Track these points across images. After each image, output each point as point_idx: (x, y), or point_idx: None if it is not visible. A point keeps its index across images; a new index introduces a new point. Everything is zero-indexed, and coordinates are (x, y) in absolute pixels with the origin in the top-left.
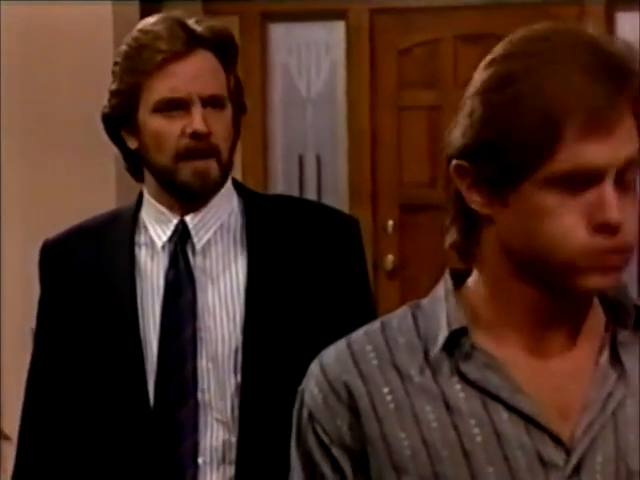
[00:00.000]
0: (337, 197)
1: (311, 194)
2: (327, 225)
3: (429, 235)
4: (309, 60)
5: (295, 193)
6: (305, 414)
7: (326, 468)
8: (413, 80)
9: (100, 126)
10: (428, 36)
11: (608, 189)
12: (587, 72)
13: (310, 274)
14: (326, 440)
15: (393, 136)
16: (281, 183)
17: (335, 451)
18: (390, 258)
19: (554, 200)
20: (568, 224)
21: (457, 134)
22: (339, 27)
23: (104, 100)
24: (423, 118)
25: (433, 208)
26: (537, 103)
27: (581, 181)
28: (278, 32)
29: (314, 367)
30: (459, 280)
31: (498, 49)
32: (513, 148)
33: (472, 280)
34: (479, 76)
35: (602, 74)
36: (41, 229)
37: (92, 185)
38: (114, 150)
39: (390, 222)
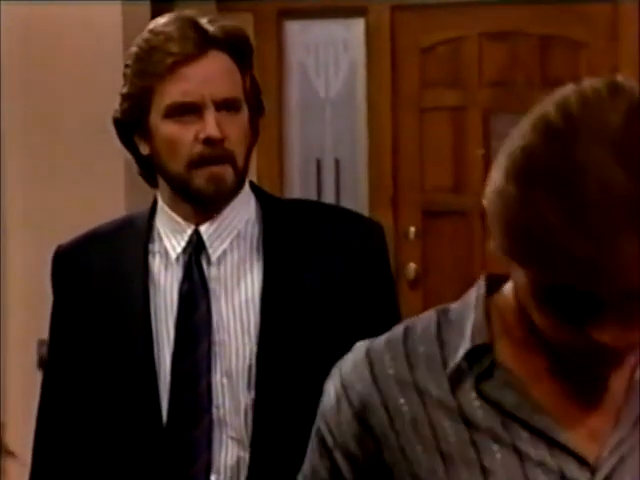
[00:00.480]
0: (357, 202)
1: (329, 199)
2: (349, 230)
3: (453, 242)
4: (327, 59)
5: (313, 197)
6: (319, 414)
7: (323, 470)
8: (436, 80)
9: (108, 129)
10: (451, 34)
11: None
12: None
13: (330, 282)
14: (330, 442)
15: (415, 138)
16: (298, 188)
17: (337, 455)
18: (412, 266)
19: None
20: None
21: None
22: (358, 25)
23: (113, 103)
24: (446, 119)
25: (457, 214)
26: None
27: None
28: (294, 30)
29: (334, 371)
30: (496, 286)
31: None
32: None
33: (507, 287)
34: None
35: None
36: (46, 236)
37: (99, 191)
38: (125, 154)
39: (412, 228)
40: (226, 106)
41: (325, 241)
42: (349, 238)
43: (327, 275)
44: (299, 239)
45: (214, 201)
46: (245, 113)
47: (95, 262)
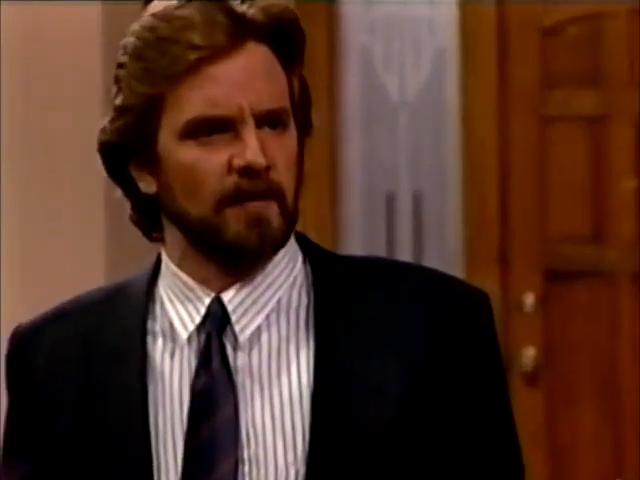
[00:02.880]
0: (444, 258)
1: (405, 253)
2: (438, 301)
3: (590, 316)
4: (403, 46)
5: (381, 251)
6: None
7: None
8: (564, 75)
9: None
10: (587, 9)
11: None
12: None
13: (411, 377)
14: None
15: (533, 161)
16: (359, 236)
17: None
18: (530, 352)
19: None
20: None
21: None
22: None
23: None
24: (580, 133)
25: (596, 275)
26: None
27: None
28: (354, 6)
29: None
30: None
31: None
32: None
33: None
34: None
35: None
36: None
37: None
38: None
39: (530, 297)
40: (270, 121)
41: (403, 317)
42: (439, 314)
43: (406, 367)
44: (365, 313)
45: (255, 255)
46: (293, 130)
47: (69, 349)
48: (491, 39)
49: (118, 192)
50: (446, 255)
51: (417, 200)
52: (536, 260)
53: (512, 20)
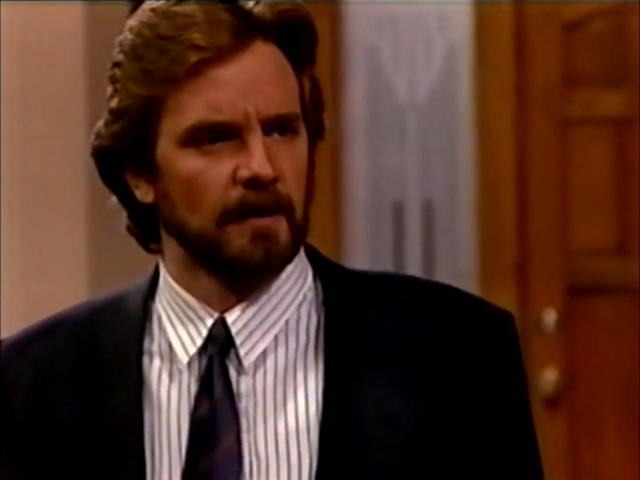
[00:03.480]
0: (457, 272)
1: (414, 267)
2: (461, 323)
3: (616, 335)
4: (412, 43)
5: (388, 265)
6: None
7: None
8: (587, 74)
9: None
10: (612, 1)
11: None
12: None
13: (428, 403)
14: None
15: (554, 167)
16: (364, 249)
17: None
18: (551, 374)
19: None
20: None
21: None
22: None
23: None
24: (604, 137)
25: (622, 291)
26: None
27: None
28: (359, 2)
29: None
30: None
31: None
32: None
33: None
34: None
35: None
36: None
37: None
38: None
39: (550, 314)
40: (279, 127)
41: (419, 338)
42: (459, 335)
43: (421, 393)
44: (379, 335)
45: (260, 273)
46: (304, 137)
47: (57, 366)
48: (507, 35)
49: (113, 199)
50: (459, 270)
51: (427, 210)
52: (557, 274)
53: (530, 14)
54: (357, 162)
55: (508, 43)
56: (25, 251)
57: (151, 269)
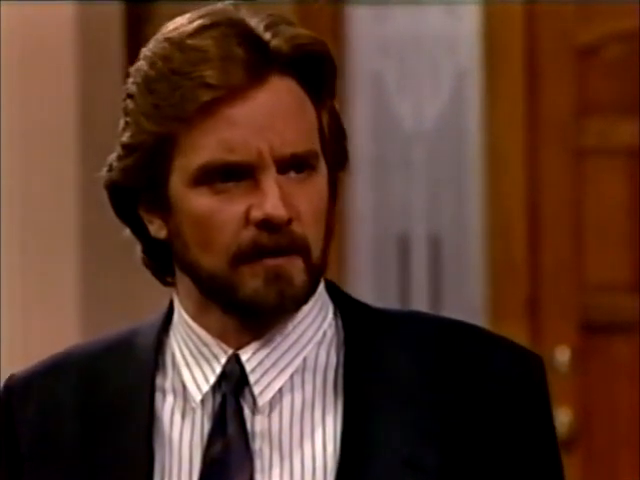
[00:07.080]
0: (465, 308)
1: (421, 303)
2: (488, 364)
3: (632, 375)
4: (418, 68)
5: (393, 301)
6: None
7: None
8: (602, 102)
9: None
10: (630, 24)
11: None
12: None
13: (453, 445)
14: None
15: (567, 199)
16: (368, 285)
17: None
18: (565, 415)
19: None
20: None
21: None
22: (470, 13)
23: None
24: (620, 168)
25: (639, 328)
26: None
27: None
28: (364, 22)
29: None
30: None
31: None
32: None
33: None
34: None
35: None
36: None
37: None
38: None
39: (563, 352)
40: (295, 165)
41: (444, 379)
42: (484, 376)
43: (446, 435)
44: (401, 375)
45: (275, 314)
46: (323, 172)
47: (61, 404)
48: (519, 59)
49: (127, 231)
50: (467, 306)
51: (434, 244)
52: (570, 310)
53: (543, 37)
54: (361, 193)
55: (519, 69)
56: (21, 283)
57: (162, 304)
